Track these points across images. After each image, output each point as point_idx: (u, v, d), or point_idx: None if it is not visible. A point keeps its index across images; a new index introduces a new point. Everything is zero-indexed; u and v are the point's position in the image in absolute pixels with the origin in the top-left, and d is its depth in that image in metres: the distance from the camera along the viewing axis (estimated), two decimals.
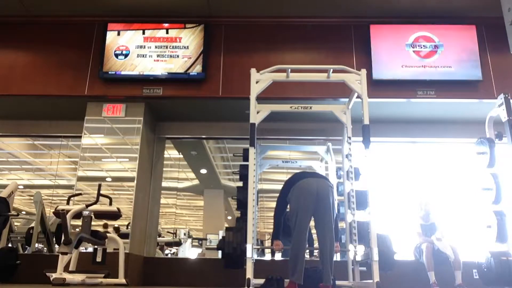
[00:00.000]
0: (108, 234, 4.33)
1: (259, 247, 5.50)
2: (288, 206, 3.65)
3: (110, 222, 5.11)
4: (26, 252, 6.00)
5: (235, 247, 3.92)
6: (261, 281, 3.77)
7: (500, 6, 4.18)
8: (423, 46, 5.44)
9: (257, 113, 4.07)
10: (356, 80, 4.06)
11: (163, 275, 5.37)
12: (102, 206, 4.29)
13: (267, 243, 8.10)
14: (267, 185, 7.96)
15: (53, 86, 5.44)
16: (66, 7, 5.53)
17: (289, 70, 4.09)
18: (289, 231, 3.57)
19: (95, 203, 3.99)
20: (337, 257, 5.46)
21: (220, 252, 4.35)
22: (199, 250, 9.57)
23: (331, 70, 4.07)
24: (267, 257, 5.79)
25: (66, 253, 3.69)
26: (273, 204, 3.85)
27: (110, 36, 5.54)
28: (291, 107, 4.39)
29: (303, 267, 3.36)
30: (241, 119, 5.49)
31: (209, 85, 5.41)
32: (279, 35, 5.61)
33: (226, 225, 11.50)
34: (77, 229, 4.01)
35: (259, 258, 6.02)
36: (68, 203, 4.41)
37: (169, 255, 8.68)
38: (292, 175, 3.82)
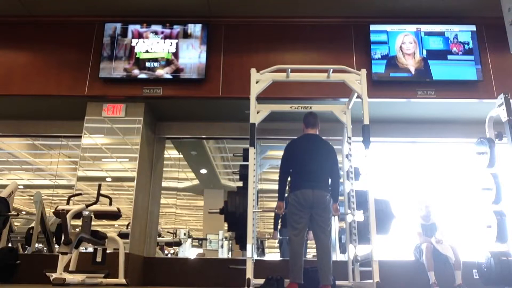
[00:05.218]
0: (108, 234, 4.33)
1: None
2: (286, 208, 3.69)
3: (110, 223, 5.12)
4: (26, 252, 6.00)
5: (237, 205, 3.97)
6: (261, 281, 3.78)
7: (500, 6, 4.18)
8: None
9: (257, 113, 4.07)
10: (356, 80, 4.07)
11: (163, 275, 5.37)
12: (102, 206, 4.29)
13: (267, 243, 8.09)
14: (267, 185, 7.96)
15: (53, 86, 5.44)
16: (66, 7, 5.52)
17: (289, 70, 4.10)
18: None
19: (95, 203, 4.00)
20: (336, 257, 5.47)
21: (223, 216, 4.37)
22: (199, 250, 9.58)
23: (331, 70, 4.07)
24: (267, 257, 5.80)
25: (66, 253, 3.70)
26: (273, 204, 3.86)
27: (110, 35, 5.53)
28: (291, 107, 4.40)
29: (302, 268, 3.41)
30: (241, 119, 5.50)
31: (209, 85, 5.41)
32: (279, 35, 5.60)
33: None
34: (77, 229, 4.01)
35: (259, 258, 6.02)
36: (68, 203, 4.41)
37: (169, 255, 8.68)
38: (294, 141, 3.81)
